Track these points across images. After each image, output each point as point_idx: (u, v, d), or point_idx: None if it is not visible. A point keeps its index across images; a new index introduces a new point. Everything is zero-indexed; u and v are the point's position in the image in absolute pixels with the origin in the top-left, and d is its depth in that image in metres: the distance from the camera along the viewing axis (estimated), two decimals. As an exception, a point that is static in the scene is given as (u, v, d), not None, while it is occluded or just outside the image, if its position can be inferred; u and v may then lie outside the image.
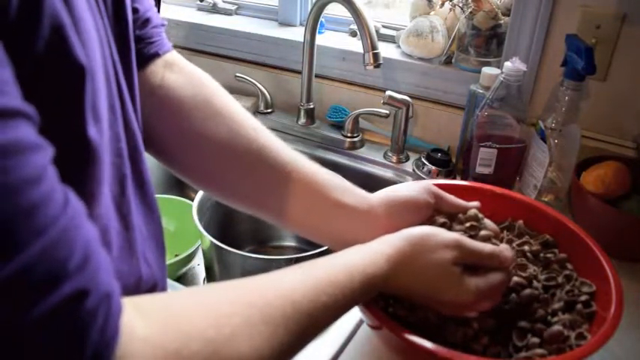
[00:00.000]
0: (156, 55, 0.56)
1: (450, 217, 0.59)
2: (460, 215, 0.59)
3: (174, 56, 0.59)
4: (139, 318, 0.31)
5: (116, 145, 0.43)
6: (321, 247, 0.79)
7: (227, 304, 0.35)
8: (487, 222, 0.60)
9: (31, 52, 0.29)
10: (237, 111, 0.58)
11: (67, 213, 0.28)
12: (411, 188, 0.57)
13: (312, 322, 0.38)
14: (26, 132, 0.26)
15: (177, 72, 0.58)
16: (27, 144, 0.26)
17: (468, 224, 0.57)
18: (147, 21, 0.55)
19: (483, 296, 0.52)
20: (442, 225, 0.57)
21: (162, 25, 0.58)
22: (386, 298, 0.61)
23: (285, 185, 0.53)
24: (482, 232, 0.57)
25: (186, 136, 0.56)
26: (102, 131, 0.38)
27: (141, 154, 0.48)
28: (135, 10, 0.52)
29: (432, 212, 0.57)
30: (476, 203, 0.60)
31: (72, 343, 0.27)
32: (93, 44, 0.36)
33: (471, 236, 0.56)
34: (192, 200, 0.90)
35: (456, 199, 0.59)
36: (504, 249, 0.54)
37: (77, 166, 0.34)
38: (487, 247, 0.53)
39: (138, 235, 0.48)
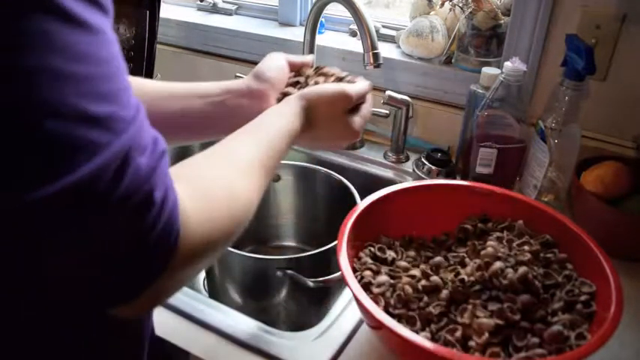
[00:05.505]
0: None
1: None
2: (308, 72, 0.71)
3: None
4: (181, 189, 0.39)
5: None
6: (320, 247, 0.79)
7: (228, 173, 0.48)
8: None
9: None
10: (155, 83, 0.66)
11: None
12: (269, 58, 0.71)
13: (270, 168, 0.54)
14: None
15: None
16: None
17: (317, 78, 0.69)
18: None
19: (361, 127, 0.66)
20: (297, 83, 0.69)
21: None
22: (386, 298, 0.61)
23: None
24: (344, 76, 0.69)
25: None
26: None
27: None
28: None
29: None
30: (310, 57, 0.74)
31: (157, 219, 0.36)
32: None
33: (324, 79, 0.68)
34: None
35: (296, 57, 0.72)
36: (367, 82, 0.68)
37: None
38: (361, 87, 0.66)
39: None
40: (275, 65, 0.69)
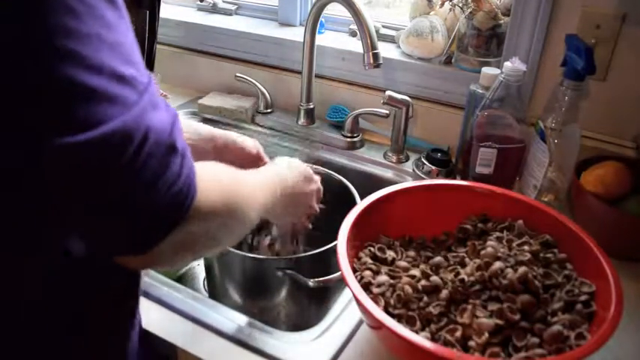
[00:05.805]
0: None
1: None
2: None
3: None
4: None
5: None
6: (320, 247, 0.79)
7: (233, 175, 0.55)
8: None
9: None
10: None
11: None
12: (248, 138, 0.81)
13: (263, 196, 0.61)
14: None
15: None
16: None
17: None
18: None
19: (318, 184, 0.80)
20: None
21: None
22: (386, 298, 0.61)
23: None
24: None
25: None
26: None
27: None
28: None
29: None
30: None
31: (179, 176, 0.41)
32: None
33: None
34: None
35: (265, 156, 0.82)
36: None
37: None
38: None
39: None
40: (249, 145, 0.79)
